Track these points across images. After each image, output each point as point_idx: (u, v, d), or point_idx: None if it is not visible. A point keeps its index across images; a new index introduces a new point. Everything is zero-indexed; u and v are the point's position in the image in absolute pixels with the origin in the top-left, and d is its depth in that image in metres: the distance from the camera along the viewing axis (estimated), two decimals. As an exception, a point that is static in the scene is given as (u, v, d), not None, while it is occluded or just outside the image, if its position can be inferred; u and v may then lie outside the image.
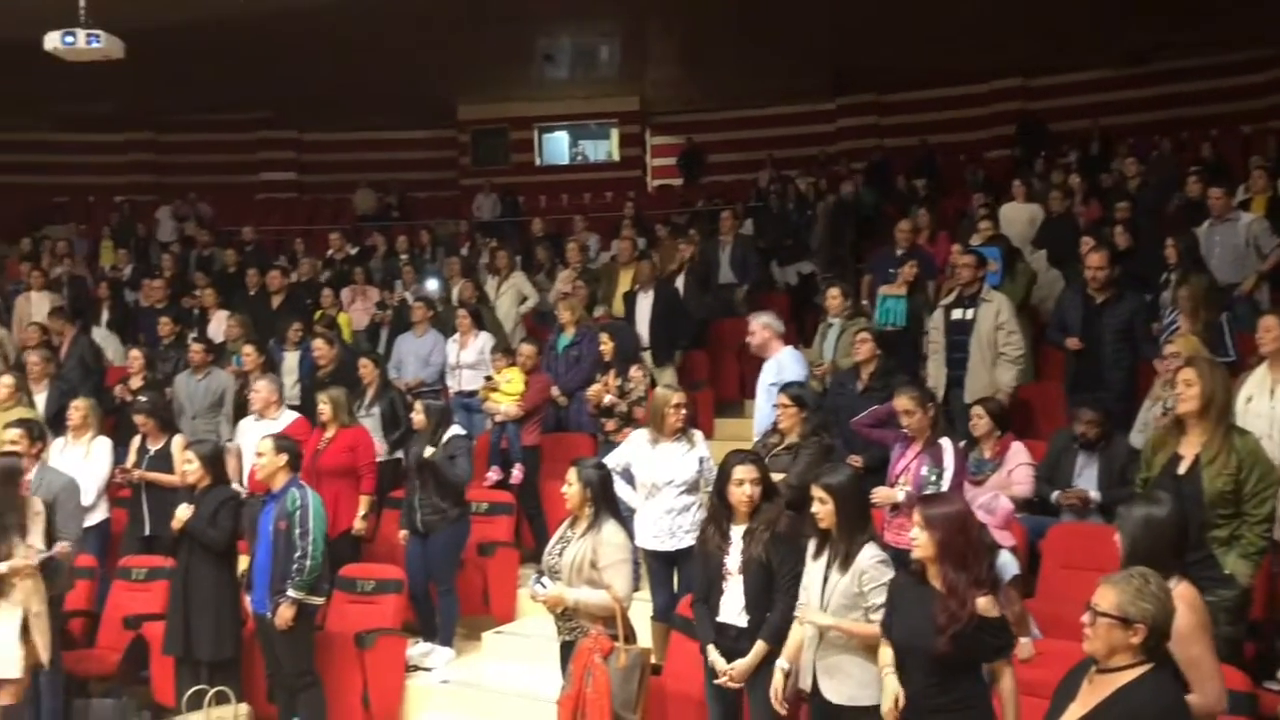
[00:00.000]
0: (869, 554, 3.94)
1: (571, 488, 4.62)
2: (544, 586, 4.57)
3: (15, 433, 5.72)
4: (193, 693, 5.32)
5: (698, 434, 5.57)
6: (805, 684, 4.02)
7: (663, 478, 5.38)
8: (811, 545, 4.08)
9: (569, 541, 4.63)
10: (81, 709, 5.75)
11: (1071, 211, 9.60)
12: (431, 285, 10.68)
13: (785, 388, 5.64)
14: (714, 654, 4.28)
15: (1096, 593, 2.93)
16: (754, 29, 13.72)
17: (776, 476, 5.21)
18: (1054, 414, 6.76)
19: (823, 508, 3.98)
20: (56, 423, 7.26)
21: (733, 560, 4.26)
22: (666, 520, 5.36)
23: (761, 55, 15.24)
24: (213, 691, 5.31)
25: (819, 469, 4.49)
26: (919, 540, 3.58)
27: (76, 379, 8.51)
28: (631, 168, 18.92)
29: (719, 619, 4.30)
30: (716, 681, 4.30)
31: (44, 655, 5.16)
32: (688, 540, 5.20)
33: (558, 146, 19.71)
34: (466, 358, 8.35)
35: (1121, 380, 6.31)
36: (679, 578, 5.42)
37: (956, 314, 6.74)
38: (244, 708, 5.42)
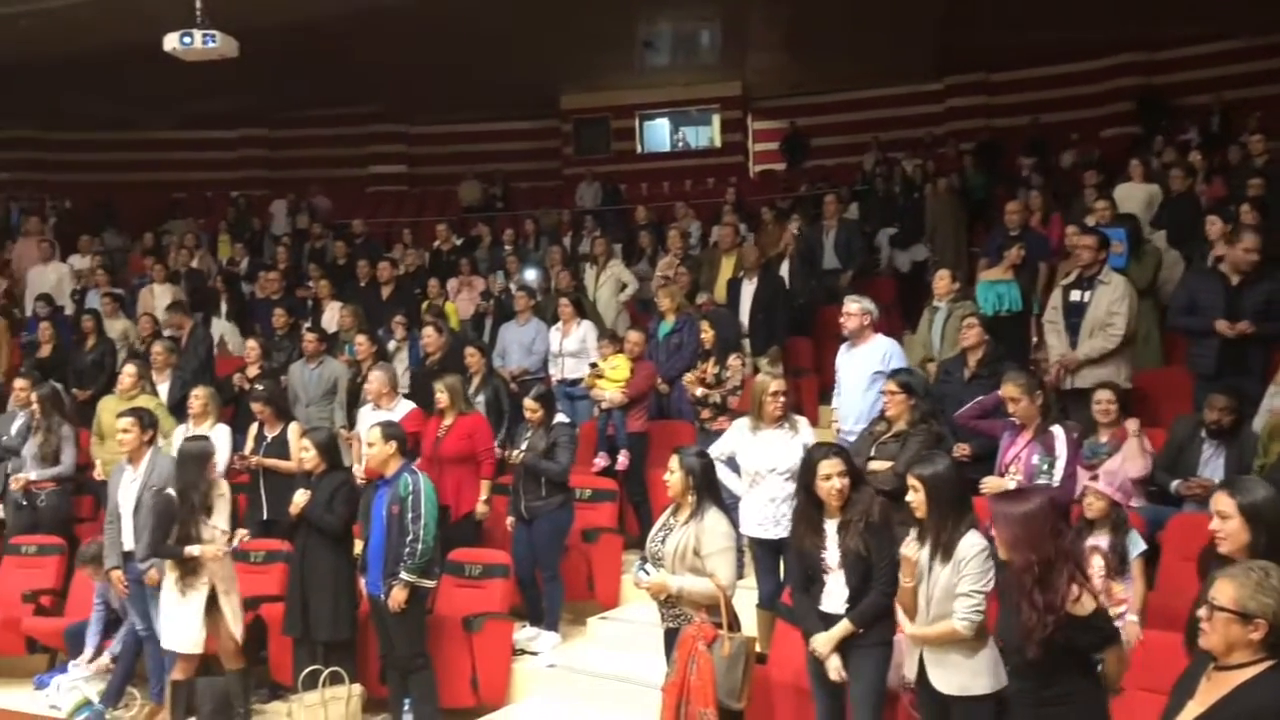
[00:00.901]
0: (969, 543, 3.85)
1: (673, 475, 4.63)
2: (647, 574, 4.58)
3: (126, 421, 5.96)
4: (308, 672, 5.47)
5: (801, 421, 5.51)
6: (911, 673, 3.96)
7: (765, 465, 5.36)
8: (912, 536, 4.01)
9: (671, 529, 4.63)
10: (201, 687, 5.93)
11: (1193, 190, 9.21)
12: (531, 274, 10.79)
13: (894, 374, 5.56)
14: (817, 640, 4.24)
15: (1215, 586, 2.81)
16: (858, 9, 13.49)
17: (883, 464, 5.17)
18: (1177, 401, 6.49)
19: (915, 496, 3.95)
20: (178, 411, 7.55)
21: (831, 555, 4.23)
22: (770, 508, 5.33)
23: (866, 36, 14.98)
24: (328, 671, 5.45)
25: (919, 458, 4.42)
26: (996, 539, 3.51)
27: (196, 369, 8.83)
28: (733, 153, 18.80)
29: (823, 609, 4.27)
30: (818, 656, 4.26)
31: (237, 632, 5.53)
32: (787, 530, 5.15)
33: (659, 134, 19.69)
34: (569, 346, 8.40)
35: (1264, 363, 6.01)
36: (784, 565, 5.38)
37: (1075, 295, 6.53)
38: (357, 688, 5.56)
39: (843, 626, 4.17)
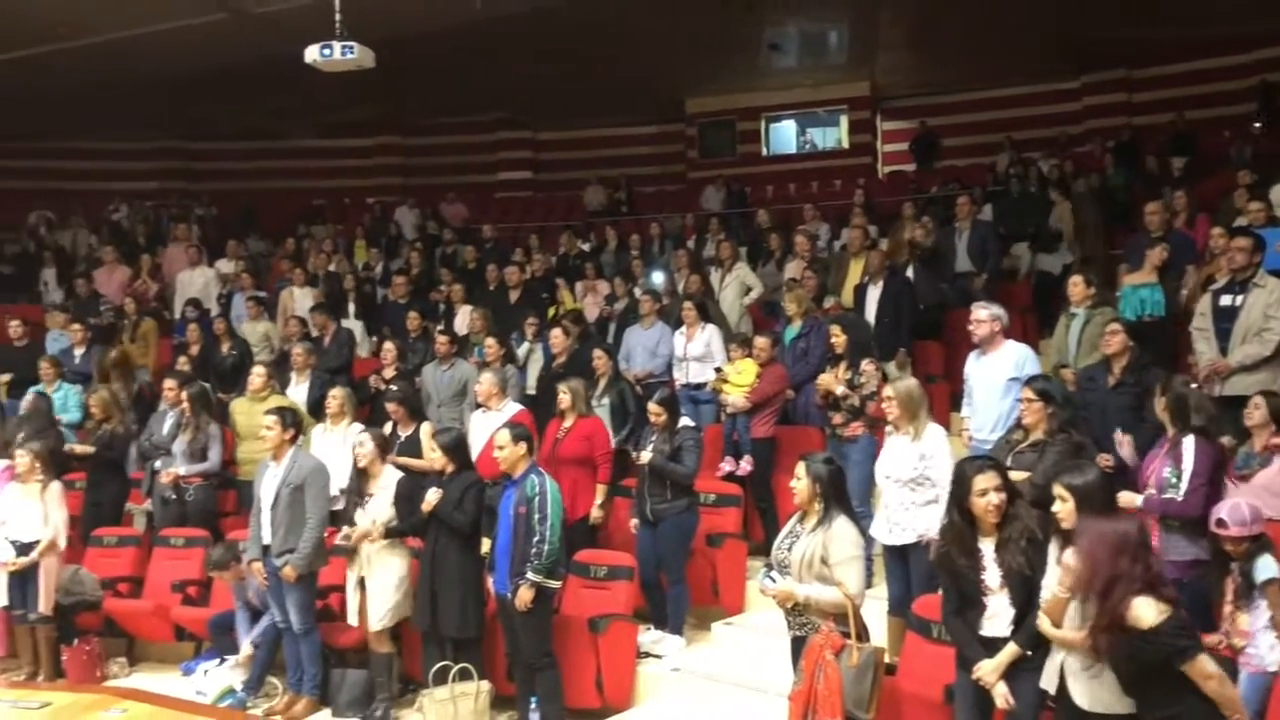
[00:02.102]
0: None
1: (800, 482, 4.57)
2: (773, 581, 4.53)
3: (270, 419, 6.19)
4: (438, 668, 5.59)
5: (930, 428, 5.39)
6: (1051, 687, 3.82)
7: (892, 472, 5.31)
8: (1054, 548, 3.87)
9: (798, 536, 4.58)
10: (338, 678, 6.16)
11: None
12: (657, 278, 10.82)
13: (1030, 381, 5.39)
14: (983, 668, 4.02)
15: None
16: (992, 6, 13.15)
17: (1020, 475, 5.00)
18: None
19: (1063, 506, 3.81)
20: (316, 410, 7.81)
21: (991, 576, 4.01)
22: (899, 514, 5.28)
23: (1000, 33, 14.61)
24: (457, 668, 5.57)
25: (1065, 467, 4.25)
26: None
27: (336, 369, 9.11)
28: (861, 154, 18.56)
29: (984, 633, 4.05)
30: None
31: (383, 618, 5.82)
32: (913, 535, 5.16)
33: (785, 135, 19.56)
34: (693, 350, 8.38)
35: None
36: (912, 571, 5.28)
37: (1225, 300, 6.23)
38: (485, 684, 5.65)
39: (1010, 652, 3.95)
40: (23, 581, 6.72)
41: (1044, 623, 3.82)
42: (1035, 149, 14.53)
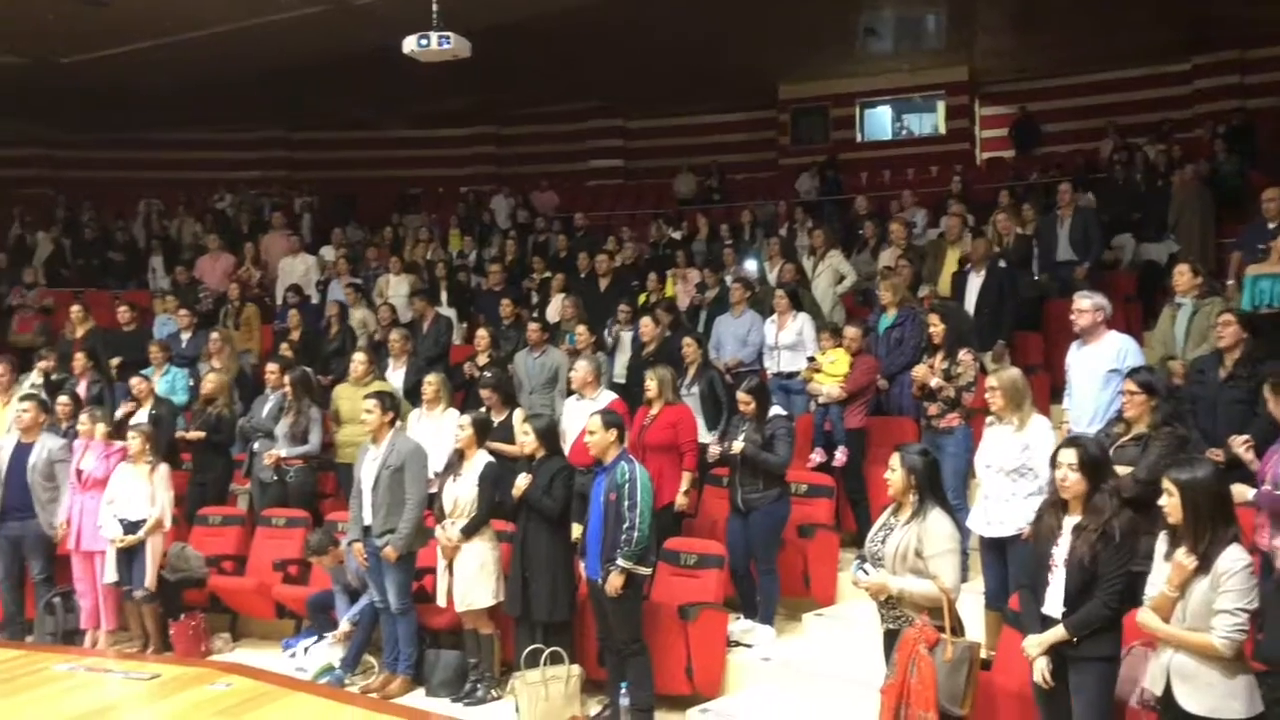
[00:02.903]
0: (1232, 557, 3.59)
1: (894, 474, 4.52)
2: (866, 573, 4.49)
3: (370, 403, 6.33)
4: (530, 651, 5.66)
5: (1034, 418, 5.28)
6: (1157, 689, 3.72)
7: (994, 462, 5.21)
8: (1161, 544, 3.76)
9: (892, 529, 4.53)
10: (432, 659, 6.28)
11: None
12: (750, 266, 10.76)
13: (1133, 373, 5.23)
14: (1028, 641, 4.08)
15: None
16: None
17: (1123, 469, 4.87)
18: None
19: (1170, 500, 3.72)
20: (413, 395, 7.95)
21: (1060, 552, 4.05)
22: (998, 506, 5.17)
23: (1105, 15, 14.15)
24: (548, 651, 5.63)
25: (1171, 461, 4.13)
26: None
27: (433, 356, 9.27)
28: (959, 140, 18.18)
29: (1043, 610, 4.07)
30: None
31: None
32: (1012, 528, 5.05)
33: (880, 122, 19.26)
34: (785, 339, 8.33)
35: None
36: (1010, 565, 5.19)
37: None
38: (576, 668, 5.70)
39: (1055, 632, 3.98)
40: (129, 559, 6.98)
41: (1152, 620, 3.72)
42: (1140, 134, 14.07)
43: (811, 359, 7.83)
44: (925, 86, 18.37)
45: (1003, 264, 8.49)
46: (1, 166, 19.02)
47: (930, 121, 19.02)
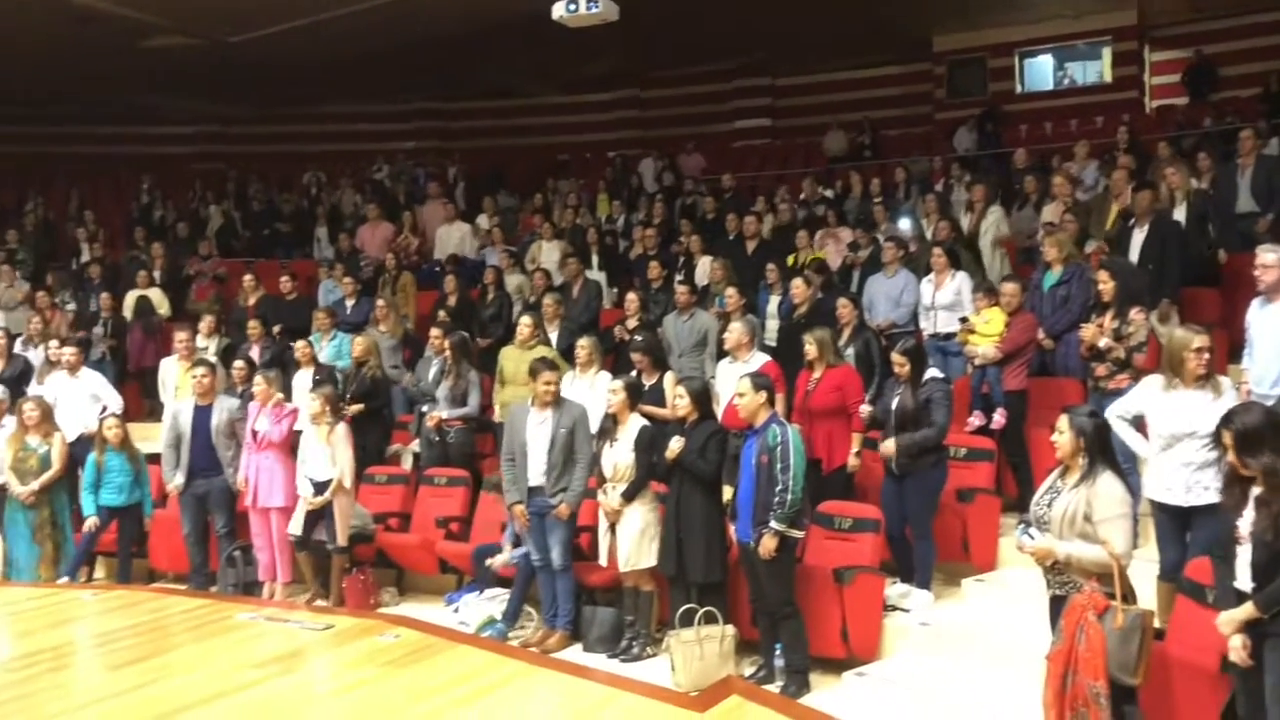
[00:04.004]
0: None
1: (1063, 436, 4.37)
2: (1031, 538, 4.36)
3: (550, 375, 6.47)
4: (684, 610, 5.72)
5: (1225, 381, 5.00)
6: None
7: (1183, 428, 4.91)
8: None
9: (1059, 492, 4.38)
10: (589, 615, 6.42)
11: None
12: (904, 224, 10.50)
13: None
14: (1221, 618, 3.90)
15: None
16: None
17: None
18: None
19: None
20: (565, 358, 8.07)
21: (1244, 524, 3.88)
22: (1184, 473, 4.90)
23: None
24: (702, 611, 5.68)
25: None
26: None
27: (585, 320, 9.39)
28: (1126, 89, 17.27)
29: (1236, 584, 3.90)
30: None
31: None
32: (1206, 497, 4.77)
33: (1041, 71, 18.45)
34: (942, 298, 8.12)
35: None
36: (1191, 536, 4.94)
37: None
38: (730, 629, 5.73)
39: (1246, 609, 3.80)
40: (315, 516, 7.33)
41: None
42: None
43: (964, 319, 7.60)
44: (1090, 33, 17.51)
45: (1182, 212, 8.05)
46: (177, 144, 20.15)
47: (1095, 69, 18.12)
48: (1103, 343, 6.26)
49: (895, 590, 6.17)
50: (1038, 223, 9.52)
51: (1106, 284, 6.37)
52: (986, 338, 7.28)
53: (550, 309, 8.86)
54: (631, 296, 9.01)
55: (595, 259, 11.30)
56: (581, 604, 6.48)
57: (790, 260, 9.90)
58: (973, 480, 6.66)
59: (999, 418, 7.10)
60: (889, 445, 6.19)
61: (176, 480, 7.83)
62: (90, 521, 7.89)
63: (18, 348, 10.03)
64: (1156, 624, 4.47)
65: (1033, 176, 10.51)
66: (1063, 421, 4.39)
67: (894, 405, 6.26)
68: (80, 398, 8.81)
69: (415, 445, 8.55)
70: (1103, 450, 4.33)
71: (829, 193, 12.85)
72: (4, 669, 6.00)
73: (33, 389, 8.97)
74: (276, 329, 9.97)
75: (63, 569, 7.97)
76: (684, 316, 8.40)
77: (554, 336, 8.69)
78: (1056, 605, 4.36)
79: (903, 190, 12.17)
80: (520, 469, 6.45)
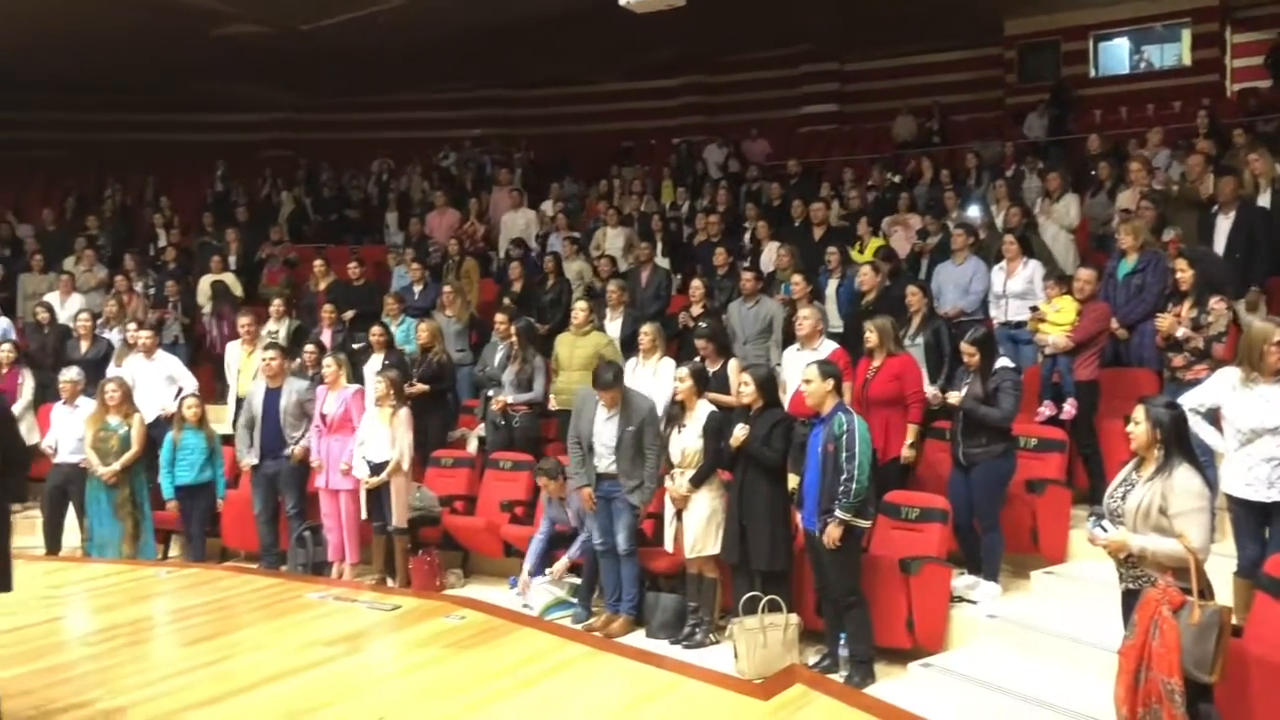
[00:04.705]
0: None
1: (1138, 427, 4.26)
2: (1105, 530, 4.27)
3: (611, 395, 6.42)
4: (748, 598, 5.70)
5: None
6: None
7: (1263, 423, 4.79)
8: None
9: (1134, 485, 4.28)
10: (652, 601, 6.43)
11: None
12: (973, 211, 10.34)
13: None
14: None
15: None
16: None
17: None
18: None
19: None
20: (629, 345, 8.09)
21: None
22: (1265, 469, 4.78)
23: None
24: (766, 599, 5.66)
25: None
26: None
27: (652, 307, 9.39)
28: (1206, 72, 16.79)
29: None
30: None
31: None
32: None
33: (1116, 55, 18.01)
34: (1013, 286, 8.00)
35: None
36: (1271, 532, 4.81)
37: None
38: (794, 617, 5.71)
39: None
40: (379, 497, 7.44)
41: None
42: None
43: (1035, 308, 7.47)
44: (1168, 14, 17.06)
45: (1267, 198, 7.82)
46: (249, 131, 20.51)
47: (1173, 52, 17.65)
48: (1180, 332, 6.11)
49: (962, 581, 6.11)
50: (1111, 210, 9.32)
51: (1185, 272, 6.21)
52: (1058, 326, 7.16)
53: (615, 295, 8.88)
54: (696, 283, 8.98)
55: (659, 245, 11.28)
56: (644, 589, 6.50)
57: (857, 248, 9.81)
58: (1043, 471, 6.56)
59: (1069, 408, 6.98)
60: (954, 396, 6.11)
61: (249, 460, 8.00)
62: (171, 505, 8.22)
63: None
64: (1234, 621, 4.37)
65: (1106, 163, 10.28)
66: (1139, 412, 4.29)
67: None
68: (156, 380, 9.03)
69: (480, 429, 8.63)
70: (1179, 442, 4.22)
71: (896, 178, 12.69)
72: (85, 642, 6.19)
73: (111, 371, 9.21)
74: (348, 314, 10.11)
75: (141, 546, 8.20)
76: (749, 303, 8.36)
77: (618, 323, 8.70)
78: (1129, 599, 4.26)
79: (974, 176, 11.98)
80: (582, 454, 6.48)
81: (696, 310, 8.73)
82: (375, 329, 8.87)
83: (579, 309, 8.23)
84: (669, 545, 6.29)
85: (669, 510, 6.26)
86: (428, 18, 13.96)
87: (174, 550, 8.79)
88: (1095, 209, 9.61)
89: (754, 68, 19.67)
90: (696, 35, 16.29)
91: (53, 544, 8.46)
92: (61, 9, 13.00)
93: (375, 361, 8.56)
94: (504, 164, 16.17)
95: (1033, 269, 7.92)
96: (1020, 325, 7.77)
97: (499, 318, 8.56)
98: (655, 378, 7.36)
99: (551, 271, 10.27)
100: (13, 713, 4.70)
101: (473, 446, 8.70)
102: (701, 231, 11.29)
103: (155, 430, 8.54)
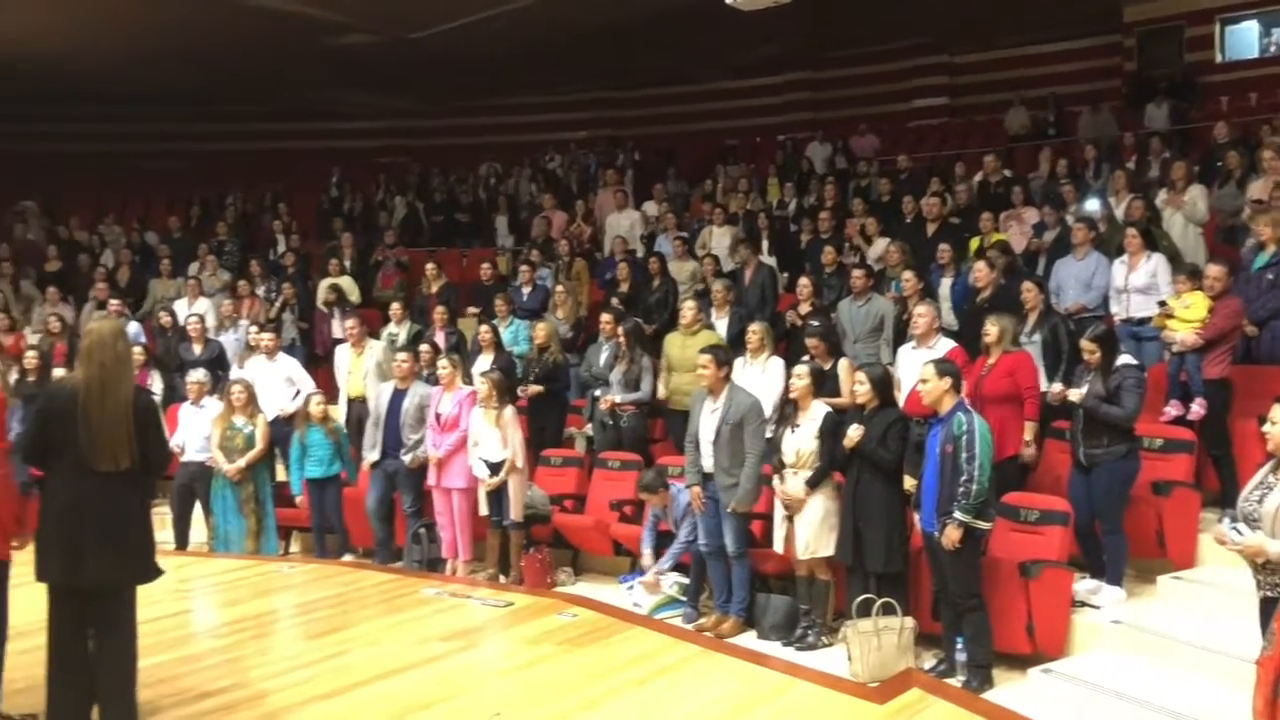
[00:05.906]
0: None
1: (1275, 427, 4.07)
2: (1239, 534, 4.10)
3: (705, 358, 6.44)
4: (861, 600, 5.63)
5: None
6: None
7: None
8: None
9: (1271, 487, 4.09)
10: (763, 602, 6.39)
11: None
12: (1092, 205, 10.01)
13: None
14: None
15: None
16: None
17: None
18: None
19: None
20: (736, 344, 8.04)
21: None
22: None
23: None
24: (880, 601, 5.57)
25: None
26: None
27: (757, 305, 9.34)
28: (1343, 53, 16.02)
29: None
30: None
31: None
32: None
33: (1245, 38, 17.25)
34: (1136, 281, 7.71)
35: None
36: None
37: None
38: (909, 620, 5.61)
39: None
40: (496, 493, 7.55)
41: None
42: None
43: (1162, 303, 7.20)
44: (1300, -6, 16.29)
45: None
46: (363, 138, 21.06)
47: (1306, 34, 16.86)
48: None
49: (1084, 586, 5.93)
50: (1240, 200, 8.94)
51: (1323, 266, 5.92)
52: (1187, 323, 6.87)
53: (720, 295, 8.84)
54: (804, 281, 8.89)
55: (766, 244, 11.20)
56: (755, 591, 6.47)
57: (975, 244, 9.59)
58: (1169, 473, 6.32)
59: (1197, 408, 6.71)
60: (1075, 393, 5.94)
61: (372, 456, 8.20)
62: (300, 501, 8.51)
63: (210, 333, 10.69)
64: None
65: (1235, 152, 9.86)
66: (1275, 412, 4.10)
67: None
68: (276, 381, 9.33)
69: (589, 429, 8.70)
70: (1321, 444, 4.03)
71: (1009, 172, 12.37)
72: (212, 635, 6.43)
73: (234, 373, 9.54)
74: (474, 309, 10.24)
75: (264, 542, 8.48)
76: (859, 301, 8.24)
77: (725, 322, 8.67)
78: (1267, 607, 4.08)
79: (1093, 168, 11.60)
80: (694, 453, 6.46)
81: (805, 308, 8.64)
82: (483, 328, 9.00)
83: (688, 308, 8.22)
84: (778, 546, 6.23)
85: (778, 511, 6.21)
86: (532, 24, 14.12)
87: (294, 546, 9.06)
88: (1223, 200, 9.23)
89: (861, 63, 19.39)
90: (803, 32, 16.13)
91: (181, 539, 8.81)
92: (183, 27, 13.55)
93: (482, 362, 8.69)
94: (609, 165, 16.26)
95: (1156, 263, 7.63)
96: (1143, 321, 7.50)
97: (604, 318, 8.60)
98: (764, 375, 7.32)
99: (657, 272, 10.29)
100: (151, 700, 4.90)
101: (580, 446, 8.77)
102: (820, 227, 11.07)
103: (275, 430, 8.82)
